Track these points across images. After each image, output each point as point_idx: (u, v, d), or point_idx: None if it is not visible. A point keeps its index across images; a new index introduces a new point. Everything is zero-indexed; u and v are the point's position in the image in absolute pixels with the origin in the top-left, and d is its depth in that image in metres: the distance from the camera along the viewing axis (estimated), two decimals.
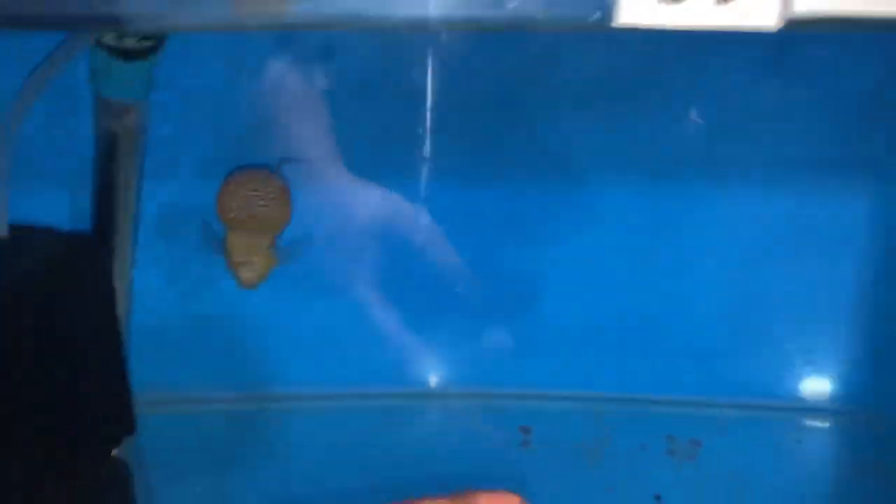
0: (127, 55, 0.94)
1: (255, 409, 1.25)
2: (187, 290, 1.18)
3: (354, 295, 1.24)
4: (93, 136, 1.02)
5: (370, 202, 1.19)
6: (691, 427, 1.31)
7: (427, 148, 1.20)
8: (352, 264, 1.23)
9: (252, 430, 1.22)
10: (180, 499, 1.10)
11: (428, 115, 1.18)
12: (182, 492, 1.10)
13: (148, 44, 0.93)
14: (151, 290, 1.16)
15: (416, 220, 1.24)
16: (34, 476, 0.97)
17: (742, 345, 1.36)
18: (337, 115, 1.11)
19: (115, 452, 1.07)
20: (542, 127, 1.23)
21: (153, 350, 1.16)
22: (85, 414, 0.98)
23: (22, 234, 0.93)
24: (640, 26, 0.51)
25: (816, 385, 1.35)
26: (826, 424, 1.36)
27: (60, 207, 1.05)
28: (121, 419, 1.04)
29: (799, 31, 0.52)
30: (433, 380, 1.33)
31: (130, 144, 1.02)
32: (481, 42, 1.14)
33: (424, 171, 1.23)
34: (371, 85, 1.15)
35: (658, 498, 1.14)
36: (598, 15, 0.52)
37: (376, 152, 1.18)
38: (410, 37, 1.12)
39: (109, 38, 0.91)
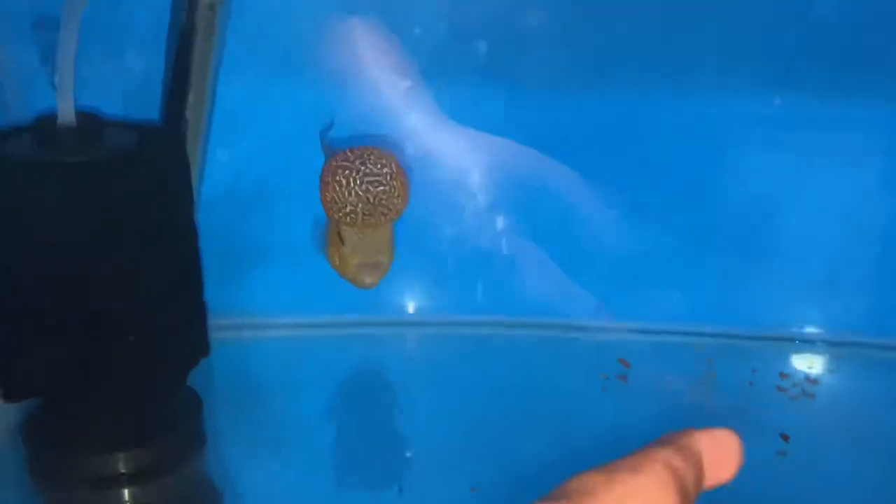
0: None
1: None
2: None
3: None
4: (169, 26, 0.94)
5: None
6: (802, 364, 1.21)
7: None
8: None
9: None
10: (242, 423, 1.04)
11: None
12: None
13: None
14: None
15: None
16: (115, 394, 0.91)
17: (858, 281, 1.25)
18: None
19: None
20: None
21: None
22: (162, 328, 0.90)
23: (91, 123, 0.84)
24: None
25: None
26: None
27: (132, 92, 0.98)
28: (197, 339, 0.96)
29: None
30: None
31: (208, 39, 0.93)
32: None
33: None
34: None
35: (786, 438, 1.04)
36: None
37: None
38: None
39: None
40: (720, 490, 0.98)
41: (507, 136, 1.17)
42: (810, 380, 1.17)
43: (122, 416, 0.95)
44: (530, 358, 1.20)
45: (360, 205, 0.80)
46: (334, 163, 0.83)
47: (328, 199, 0.82)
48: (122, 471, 0.94)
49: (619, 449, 0.94)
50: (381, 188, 0.80)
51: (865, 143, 1.21)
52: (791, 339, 1.25)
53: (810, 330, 1.26)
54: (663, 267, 1.25)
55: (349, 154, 0.83)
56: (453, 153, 1.13)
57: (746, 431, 1.05)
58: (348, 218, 0.81)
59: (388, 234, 0.83)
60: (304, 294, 1.19)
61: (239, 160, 1.14)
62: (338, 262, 0.86)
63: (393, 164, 0.82)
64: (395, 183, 0.81)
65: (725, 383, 1.16)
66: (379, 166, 0.81)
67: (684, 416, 1.09)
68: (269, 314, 1.20)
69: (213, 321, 1.04)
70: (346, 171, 0.81)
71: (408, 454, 0.98)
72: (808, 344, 1.25)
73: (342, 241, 0.82)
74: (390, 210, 0.81)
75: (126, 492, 0.94)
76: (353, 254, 0.82)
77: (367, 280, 0.82)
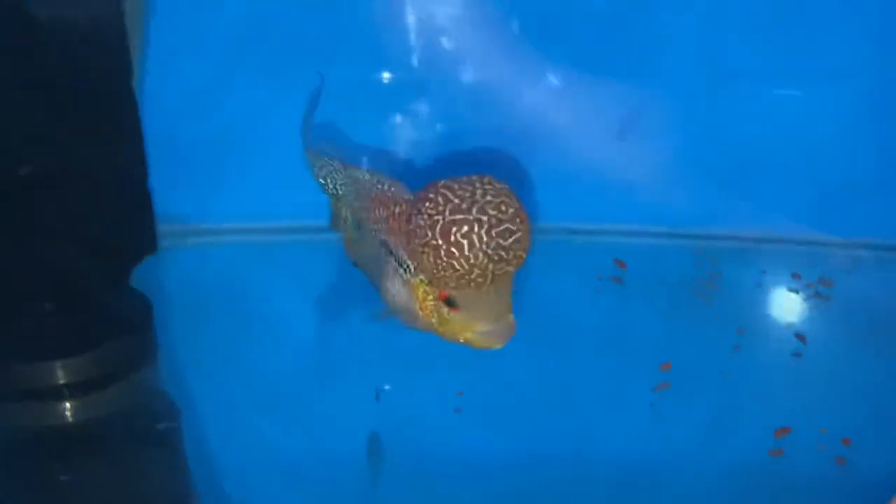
0: None
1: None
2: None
3: None
4: None
5: None
6: (818, 266, 1.11)
7: None
8: None
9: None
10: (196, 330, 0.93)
11: None
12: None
13: None
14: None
15: None
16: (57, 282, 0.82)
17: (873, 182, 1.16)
18: None
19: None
20: None
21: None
22: (101, 217, 0.79)
23: None
24: None
25: None
26: None
27: None
28: (142, 233, 0.85)
29: None
30: None
31: None
32: None
33: None
34: None
35: (801, 338, 0.95)
36: None
37: None
38: None
39: None
40: (737, 391, 0.91)
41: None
42: (824, 281, 1.08)
43: (60, 318, 0.84)
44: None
45: (490, 265, 0.58)
46: (432, 213, 0.59)
47: (440, 267, 0.59)
48: (63, 381, 0.84)
49: (612, 350, 0.85)
50: (514, 236, 0.58)
51: None
52: (803, 242, 1.16)
53: (823, 231, 1.16)
54: (666, 169, 1.15)
55: (451, 196, 0.59)
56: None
57: (757, 333, 0.99)
58: (472, 284, 0.59)
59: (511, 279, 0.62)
60: (260, 199, 1.08)
61: (187, 58, 1.02)
62: (441, 329, 0.63)
63: (512, 197, 0.60)
64: (522, 223, 0.59)
65: (732, 285, 1.06)
66: (503, 207, 0.58)
67: (687, 318, 1.00)
68: (224, 220, 1.09)
69: (167, 227, 0.94)
70: (465, 228, 0.57)
71: (381, 360, 0.88)
72: (821, 246, 1.16)
73: (451, 304, 0.61)
74: (523, 257, 0.60)
75: (67, 405, 0.84)
76: (474, 319, 0.61)
77: (499, 345, 0.62)
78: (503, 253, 0.58)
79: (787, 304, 1.03)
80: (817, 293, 1.05)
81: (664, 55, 1.10)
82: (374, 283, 0.70)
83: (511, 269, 0.59)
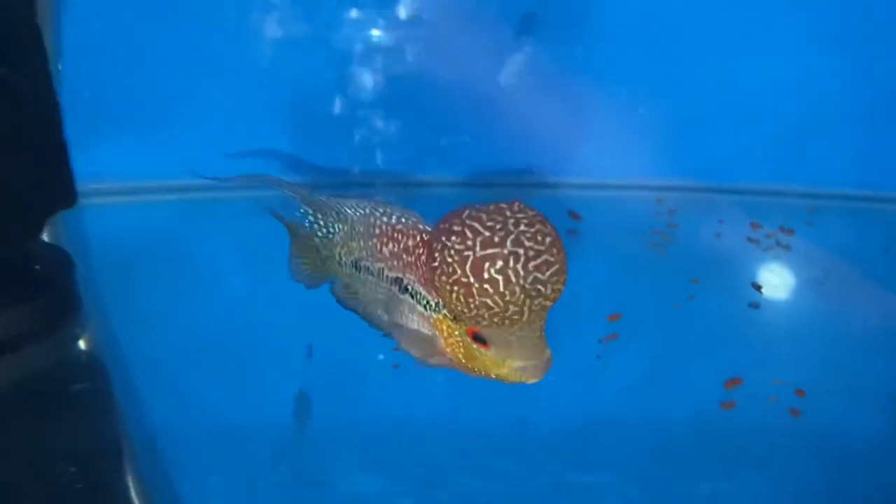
0: None
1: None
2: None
3: None
4: None
5: None
6: (778, 215, 1.08)
7: None
8: None
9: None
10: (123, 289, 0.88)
11: None
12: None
13: None
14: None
15: None
16: None
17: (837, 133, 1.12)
18: None
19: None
20: None
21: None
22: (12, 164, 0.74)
23: None
24: None
25: None
26: None
27: None
28: (58, 182, 0.80)
29: None
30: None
31: None
32: None
33: None
34: None
35: (758, 288, 0.91)
36: None
37: None
38: None
39: None
40: (688, 342, 0.88)
41: None
42: (785, 230, 1.04)
43: None
44: None
45: (528, 301, 0.52)
46: (460, 248, 0.52)
47: (472, 306, 0.52)
48: None
49: (561, 303, 0.79)
50: (553, 269, 0.52)
51: None
52: (763, 192, 1.12)
53: (784, 181, 1.12)
54: (623, 121, 1.11)
55: (480, 228, 0.52)
56: None
57: (712, 283, 0.95)
58: (507, 322, 0.53)
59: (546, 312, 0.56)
60: (191, 155, 1.03)
61: (114, 7, 0.97)
62: (470, 364, 0.57)
63: (547, 223, 0.53)
64: (559, 252, 0.52)
65: (689, 236, 1.03)
66: (539, 238, 0.52)
67: (641, 270, 0.96)
68: (154, 177, 1.04)
69: (97, 186, 0.89)
70: (500, 263, 0.51)
71: (315, 315, 0.83)
72: (782, 196, 1.12)
73: (481, 341, 0.55)
74: (561, 290, 0.53)
75: None
76: (509, 357, 0.55)
77: (535, 380, 0.56)
78: (541, 288, 0.52)
79: (746, 255, 0.99)
80: (778, 243, 1.02)
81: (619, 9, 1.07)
82: (375, 324, 0.63)
83: (549, 303, 0.53)
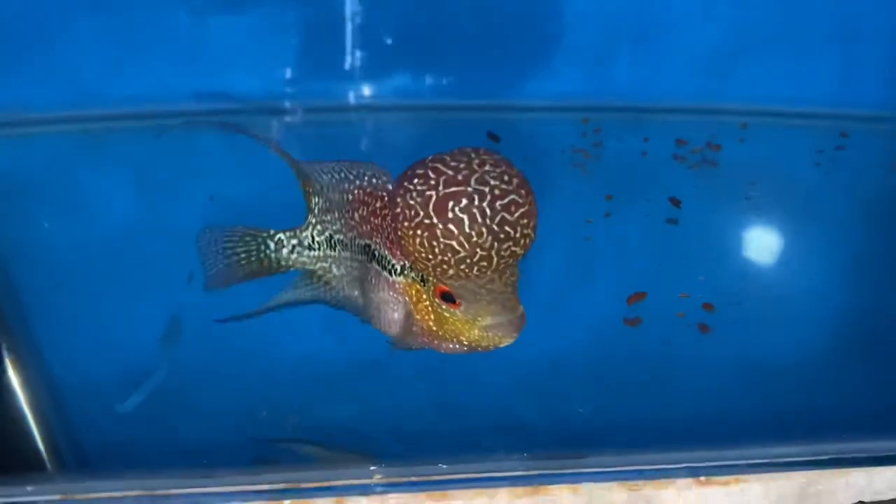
0: None
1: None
2: None
3: None
4: None
5: None
6: (705, 132, 1.04)
7: None
8: None
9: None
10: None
11: None
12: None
13: None
14: None
15: None
16: None
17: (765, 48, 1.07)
18: None
19: None
20: None
21: None
22: None
23: None
24: None
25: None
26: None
27: None
28: None
29: None
30: None
31: None
32: None
33: None
34: None
35: (676, 203, 0.87)
36: None
37: None
38: None
39: None
40: (607, 256, 0.84)
41: None
42: (712, 146, 1.00)
43: None
44: (393, 137, 1.02)
45: (495, 244, 0.48)
46: (422, 189, 0.48)
47: (436, 251, 0.48)
48: None
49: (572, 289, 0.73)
50: (521, 210, 0.48)
51: None
52: (691, 110, 1.08)
53: (712, 98, 1.08)
54: (549, 41, 1.06)
55: (443, 168, 0.49)
56: None
57: (631, 200, 0.91)
58: (475, 269, 0.49)
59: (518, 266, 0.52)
60: (84, 85, 0.98)
61: None
62: (441, 331, 0.52)
63: (513, 166, 0.50)
64: (528, 195, 0.49)
65: (612, 154, 0.99)
66: (506, 177, 0.49)
67: (559, 188, 0.92)
68: (46, 108, 0.98)
69: None
70: (464, 201, 0.47)
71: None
72: (710, 113, 1.08)
73: (449, 300, 0.50)
74: (532, 237, 0.50)
75: None
76: (479, 313, 0.50)
77: (509, 341, 0.51)
78: (510, 230, 0.48)
79: (670, 171, 0.95)
80: (704, 159, 0.98)
81: None
82: (353, 309, 0.59)
83: (519, 250, 0.49)
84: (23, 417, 0.67)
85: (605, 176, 0.94)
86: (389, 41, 1.03)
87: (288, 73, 1.02)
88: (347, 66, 1.03)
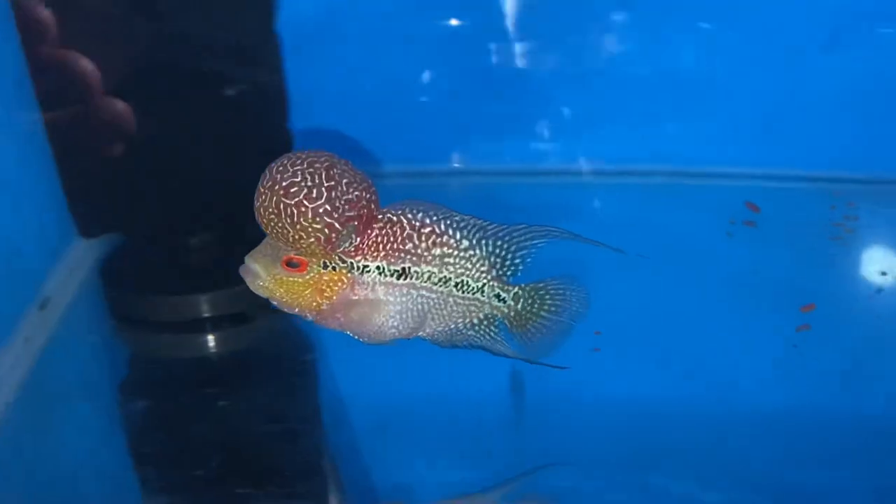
0: None
1: None
2: None
3: None
4: None
5: None
6: None
7: None
8: None
9: None
10: None
11: None
12: None
13: None
14: None
15: None
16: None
17: None
18: None
19: None
20: None
21: None
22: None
23: None
24: None
25: None
26: None
27: None
28: None
29: None
30: None
31: None
32: None
33: None
34: None
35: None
36: None
37: None
38: None
39: None
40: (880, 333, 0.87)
41: None
42: None
43: (212, 251, 0.87)
44: (653, 203, 1.09)
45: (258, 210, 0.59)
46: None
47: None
48: (207, 314, 0.88)
49: (747, 292, 0.81)
50: (258, 199, 0.58)
51: None
52: None
53: None
54: (800, 111, 1.11)
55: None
56: None
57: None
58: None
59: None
60: None
61: None
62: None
63: (290, 171, 0.57)
64: (264, 192, 0.57)
65: (869, 227, 1.03)
66: (269, 172, 0.58)
67: (821, 260, 0.97)
68: None
69: None
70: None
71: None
72: None
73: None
74: (264, 223, 0.58)
75: (211, 337, 0.88)
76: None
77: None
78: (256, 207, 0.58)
79: None
80: None
81: None
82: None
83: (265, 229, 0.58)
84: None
85: (867, 249, 0.98)
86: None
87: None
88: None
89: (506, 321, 0.63)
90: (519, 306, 0.63)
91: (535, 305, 0.63)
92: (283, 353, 0.89)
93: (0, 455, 0.76)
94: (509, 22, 1.07)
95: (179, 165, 0.89)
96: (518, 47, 1.08)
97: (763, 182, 1.12)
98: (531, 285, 0.63)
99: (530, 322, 0.64)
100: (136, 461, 0.77)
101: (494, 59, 1.09)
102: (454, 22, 1.07)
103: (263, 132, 0.91)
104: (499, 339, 0.64)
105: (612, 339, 0.81)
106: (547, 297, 0.63)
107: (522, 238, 0.62)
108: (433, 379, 0.80)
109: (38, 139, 0.90)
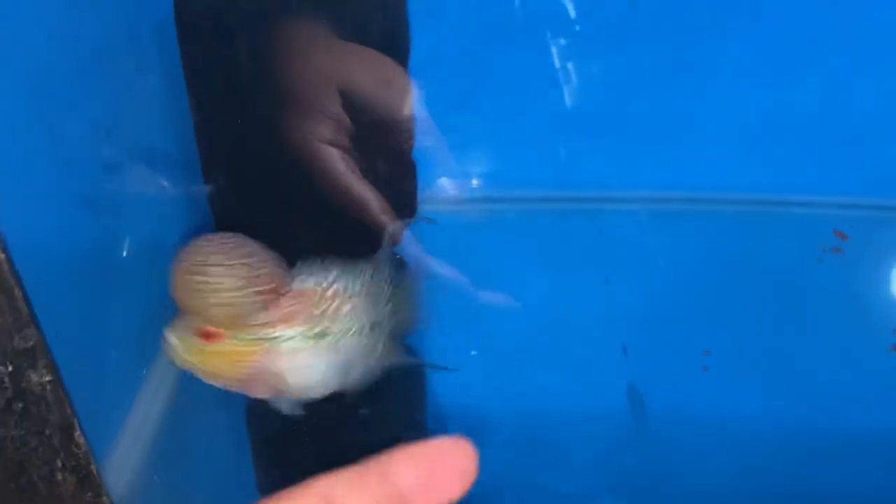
0: None
1: None
2: None
3: None
4: None
5: None
6: None
7: None
8: None
9: None
10: None
11: None
12: None
13: None
14: None
15: None
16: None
17: None
18: None
19: None
20: None
21: None
22: None
23: None
24: None
25: None
26: None
27: None
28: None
29: None
30: None
31: None
32: None
33: None
34: None
35: None
36: None
37: None
38: None
39: None
40: None
41: None
42: None
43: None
44: (742, 232, 1.13)
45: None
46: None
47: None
48: None
49: (837, 319, 0.85)
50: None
51: None
52: None
53: None
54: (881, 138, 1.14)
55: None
56: None
57: None
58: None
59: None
60: None
61: None
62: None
63: (201, 248, 0.64)
64: (176, 277, 0.63)
65: None
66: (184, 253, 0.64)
67: None
68: None
69: None
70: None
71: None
72: None
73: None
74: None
75: None
76: None
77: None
78: None
79: None
80: None
81: None
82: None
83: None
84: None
85: None
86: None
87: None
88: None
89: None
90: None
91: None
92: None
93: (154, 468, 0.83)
94: None
95: None
96: None
97: (847, 211, 1.15)
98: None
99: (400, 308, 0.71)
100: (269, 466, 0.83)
101: None
102: None
103: None
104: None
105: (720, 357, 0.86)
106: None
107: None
108: (555, 392, 0.86)
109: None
